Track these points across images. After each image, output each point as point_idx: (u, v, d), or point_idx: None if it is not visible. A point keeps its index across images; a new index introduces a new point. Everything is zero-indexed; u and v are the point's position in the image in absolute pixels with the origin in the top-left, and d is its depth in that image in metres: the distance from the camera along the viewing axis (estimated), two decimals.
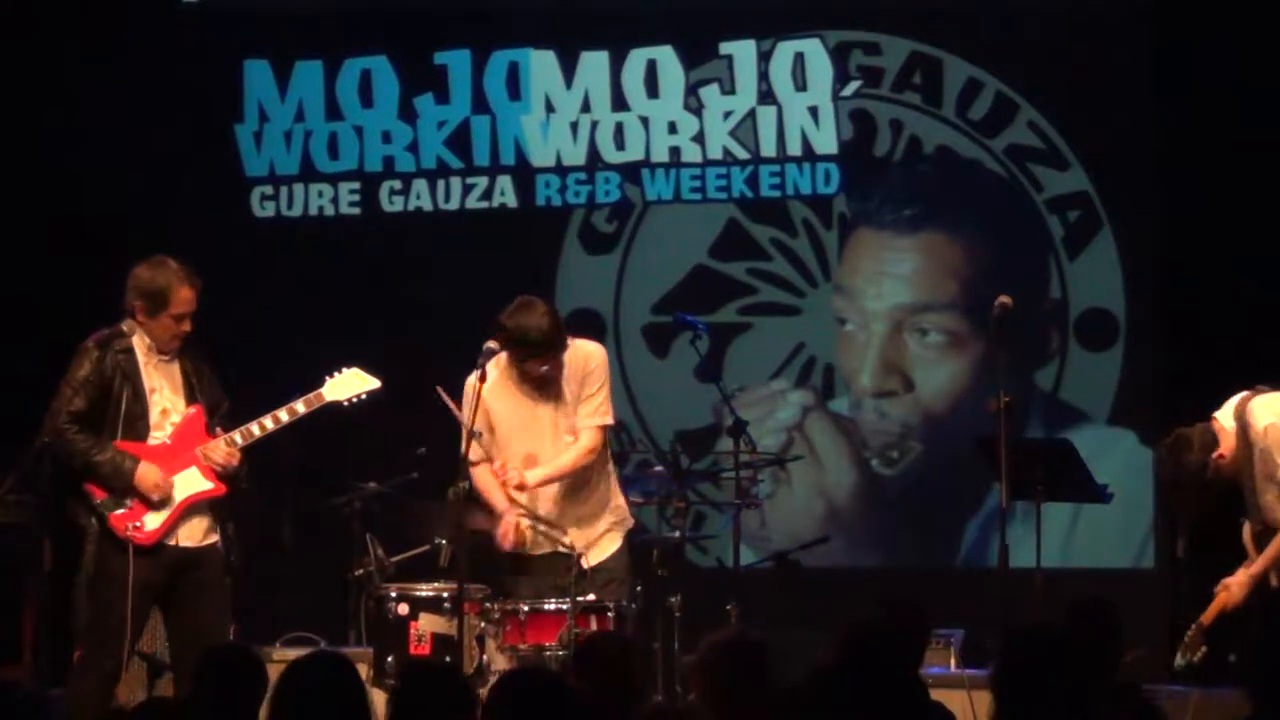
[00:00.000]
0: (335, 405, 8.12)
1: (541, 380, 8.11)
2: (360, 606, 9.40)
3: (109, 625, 7.77)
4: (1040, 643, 5.21)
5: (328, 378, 8.14)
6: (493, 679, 7.75)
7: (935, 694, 6.30)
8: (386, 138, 11.28)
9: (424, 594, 8.12)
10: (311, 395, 8.08)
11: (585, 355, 8.23)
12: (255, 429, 7.97)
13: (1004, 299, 8.13)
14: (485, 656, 7.95)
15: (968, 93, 10.78)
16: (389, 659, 8.02)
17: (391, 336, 10.73)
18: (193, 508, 7.90)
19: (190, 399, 7.96)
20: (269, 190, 11.37)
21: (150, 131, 11.23)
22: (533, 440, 8.18)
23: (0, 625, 9.80)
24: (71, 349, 7.93)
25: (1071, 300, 10.68)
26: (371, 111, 11.29)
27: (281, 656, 9.07)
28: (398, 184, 11.28)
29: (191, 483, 7.89)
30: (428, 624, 8.04)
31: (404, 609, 8.05)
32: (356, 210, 11.32)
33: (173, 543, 7.86)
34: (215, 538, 7.94)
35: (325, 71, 11.31)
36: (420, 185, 11.27)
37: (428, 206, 11.25)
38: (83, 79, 11.21)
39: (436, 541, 8.71)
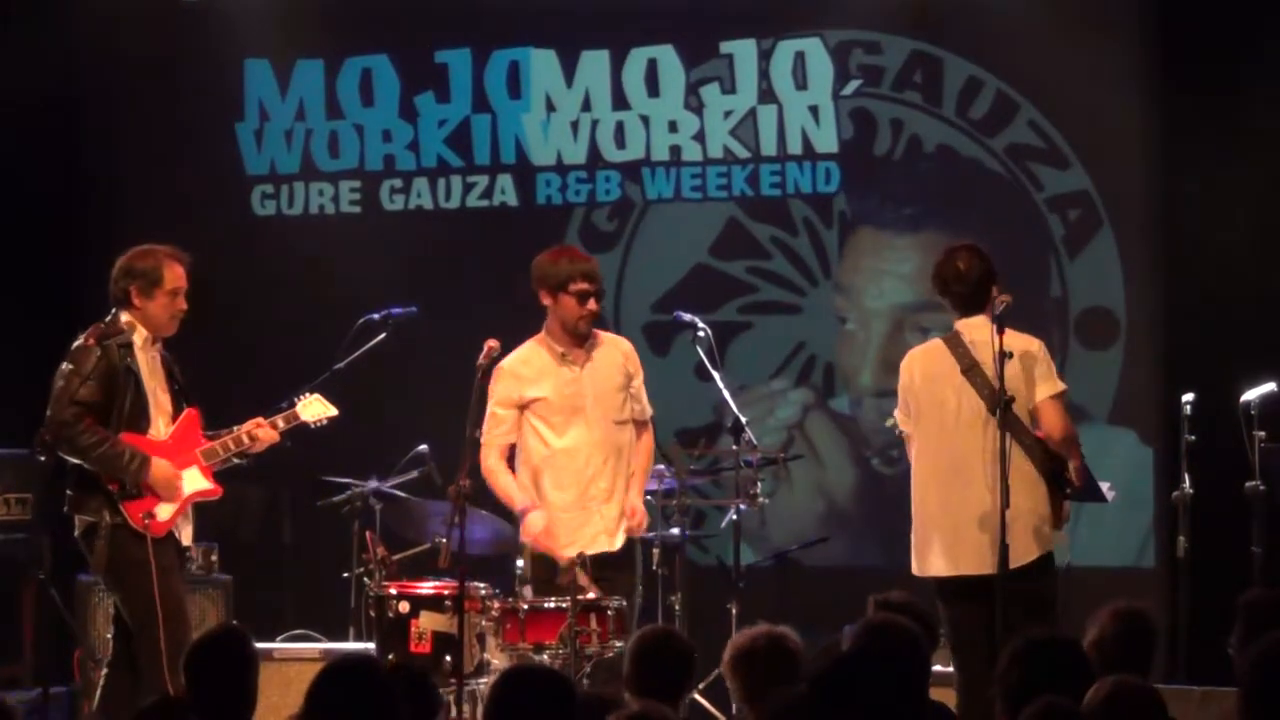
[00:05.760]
0: (303, 426, 8.19)
1: (587, 353, 8.16)
2: (360, 604, 9.40)
3: (172, 607, 7.69)
4: (1044, 646, 5.22)
5: (297, 400, 8.21)
6: (492, 678, 7.78)
7: (935, 694, 6.29)
8: (387, 136, 11.29)
9: (424, 592, 8.13)
10: (288, 412, 8.15)
11: (628, 347, 8.35)
12: (245, 439, 8.01)
13: (1005, 297, 8.11)
14: (485, 654, 7.96)
15: (968, 92, 10.77)
16: (389, 657, 8.02)
17: (392, 334, 10.72)
18: (189, 507, 7.94)
19: (174, 392, 7.98)
20: (269, 189, 11.38)
21: (151, 130, 11.24)
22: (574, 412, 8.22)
23: (0, 625, 9.81)
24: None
25: (1072, 299, 10.67)
26: (372, 110, 11.30)
27: (282, 653, 9.07)
28: (398, 183, 11.29)
29: (194, 481, 7.92)
30: (428, 622, 8.04)
31: (404, 607, 8.06)
32: (357, 209, 11.33)
33: (177, 535, 7.90)
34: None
35: (326, 70, 11.32)
36: (421, 184, 11.27)
37: (428, 205, 11.26)
38: (83, 79, 11.22)
39: (436, 540, 8.71)
